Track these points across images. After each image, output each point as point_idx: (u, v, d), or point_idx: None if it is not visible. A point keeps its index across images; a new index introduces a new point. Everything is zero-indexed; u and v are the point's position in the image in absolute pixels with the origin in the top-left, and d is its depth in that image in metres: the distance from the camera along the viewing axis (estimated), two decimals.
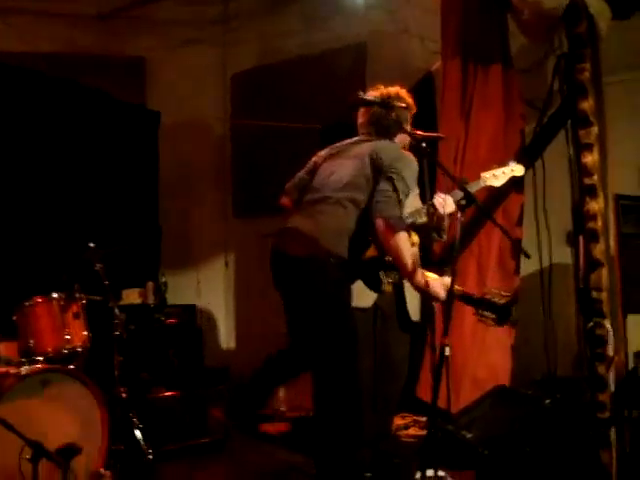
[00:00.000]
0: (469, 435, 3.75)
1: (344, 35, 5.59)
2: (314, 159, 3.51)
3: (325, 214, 3.20)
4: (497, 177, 3.52)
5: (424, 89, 4.79)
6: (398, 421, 4.49)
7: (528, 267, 4.35)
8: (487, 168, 3.60)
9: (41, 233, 4.84)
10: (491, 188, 3.80)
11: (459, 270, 4.43)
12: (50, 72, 5.50)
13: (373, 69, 5.52)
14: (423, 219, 3.43)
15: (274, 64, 6.01)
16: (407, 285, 3.48)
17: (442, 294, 3.17)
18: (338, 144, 3.48)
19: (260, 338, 5.41)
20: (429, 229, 3.50)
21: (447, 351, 3.94)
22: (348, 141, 3.44)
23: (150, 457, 3.77)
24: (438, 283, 3.19)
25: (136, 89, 6.17)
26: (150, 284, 5.23)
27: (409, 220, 3.40)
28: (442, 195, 3.40)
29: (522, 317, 4.34)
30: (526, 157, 4.24)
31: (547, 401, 3.67)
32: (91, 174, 5.36)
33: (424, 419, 4.45)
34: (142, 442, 3.80)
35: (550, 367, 4.05)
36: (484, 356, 4.39)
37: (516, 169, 3.56)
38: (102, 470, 3.35)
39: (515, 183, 4.35)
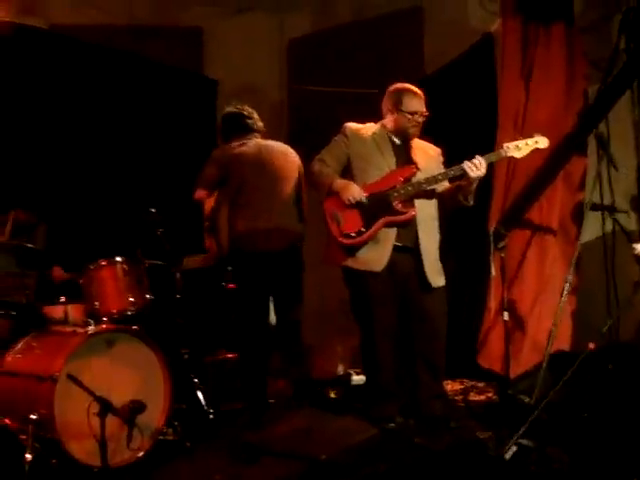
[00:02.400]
0: (527, 399, 3.77)
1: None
2: None
3: None
4: (519, 148, 3.52)
5: (483, 51, 4.71)
6: (457, 386, 4.52)
7: (592, 232, 4.28)
8: (548, 131, 3.58)
9: (105, 198, 5.00)
10: (549, 151, 3.80)
11: (520, 235, 4.43)
12: (108, 44, 5.63)
13: (430, 32, 5.47)
14: (433, 185, 3.59)
15: (330, 29, 6.00)
16: (424, 250, 3.60)
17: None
18: None
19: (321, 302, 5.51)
20: (459, 193, 3.59)
21: (506, 316, 4.01)
22: None
23: (211, 417, 3.91)
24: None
25: (194, 58, 6.25)
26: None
27: (423, 185, 3.57)
28: (479, 158, 3.46)
29: (585, 283, 4.32)
30: (589, 119, 4.15)
31: (609, 366, 3.65)
32: (152, 142, 5.48)
33: (482, 384, 4.46)
34: (203, 402, 3.94)
35: (612, 333, 3.99)
36: (545, 321, 4.36)
37: (540, 141, 3.53)
38: (165, 428, 3.50)
39: (578, 145, 4.29)
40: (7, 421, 3.23)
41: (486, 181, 4.50)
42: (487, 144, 4.41)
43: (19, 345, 3.51)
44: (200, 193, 4.14)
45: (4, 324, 3.65)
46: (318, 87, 5.73)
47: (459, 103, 4.81)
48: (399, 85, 3.77)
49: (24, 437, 3.08)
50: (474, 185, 3.57)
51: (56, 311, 3.80)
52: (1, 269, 3.86)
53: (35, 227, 4.35)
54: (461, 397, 4.35)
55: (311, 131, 5.54)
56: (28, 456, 2.99)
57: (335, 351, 5.50)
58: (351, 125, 3.81)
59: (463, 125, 4.71)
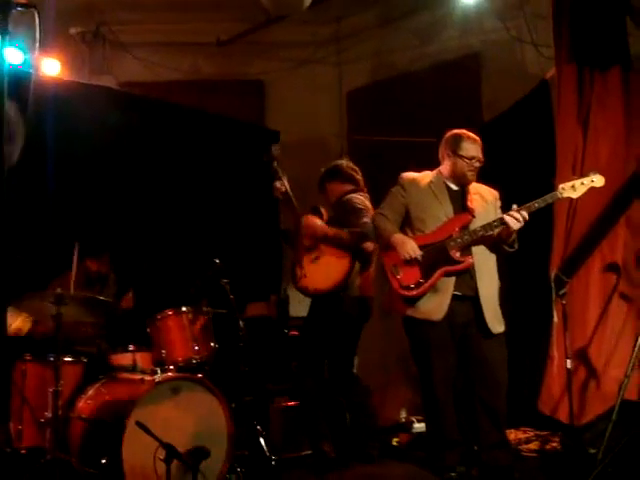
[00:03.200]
0: (593, 450, 3.71)
1: (457, 47, 5.66)
2: None
3: None
4: (575, 189, 3.53)
5: (540, 97, 4.77)
6: (519, 435, 4.48)
7: None
8: (607, 179, 3.59)
9: (171, 249, 5.22)
10: (609, 195, 3.80)
11: (582, 282, 4.41)
12: (174, 99, 5.94)
13: (488, 79, 5.55)
14: (494, 232, 3.62)
15: (388, 79, 6.17)
16: (484, 297, 3.64)
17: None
18: None
19: (382, 352, 5.55)
20: (500, 241, 3.65)
21: (569, 364, 3.98)
22: None
23: (273, 463, 3.99)
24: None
25: (256, 110, 6.51)
26: (273, 297, 5.49)
27: (480, 233, 3.62)
28: (515, 211, 3.52)
29: None
30: None
31: None
32: (216, 194, 5.71)
33: (545, 433, 4.41)
34: (265, 449, 4.03)
35: None
36: (611, 369, 4.30)
37: (596, 180, 3.53)
38: (228, 474, 3.60)
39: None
40: (75, 462, 3.40)
41: (547, 226, 4.56)
42: (546, 190, 4.45)
43: (90, 392, 3.70)
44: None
45: (76, 371, 3.85)
46: (377, 137, 5.86)
47: (517, 149, 4.86)
48: (457, 131, 3.85)
49: None
50: (514, 234, 3.62)
51: (125, 359, 3.98)
52: (73, 319, 4.07)
53: (107, 277, 4.59)
54: (524, 446, 4.30)
55: (372, 181, 5.66)
56: None
57: (397, 398, 5.53)
58: (407, 175, 3.91)
59: (522, 171, 4.75)
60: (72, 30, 6.14)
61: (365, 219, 4.15)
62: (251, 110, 6.46)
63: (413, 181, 3.87)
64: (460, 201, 3.79)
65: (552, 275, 4.39)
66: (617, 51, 4.32)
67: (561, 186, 3.55)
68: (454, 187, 3.81)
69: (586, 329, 4.35)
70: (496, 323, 3.71)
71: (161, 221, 5.41)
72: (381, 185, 6.17)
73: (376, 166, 6.19)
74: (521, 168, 4.78)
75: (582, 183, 3.53)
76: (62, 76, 5.51)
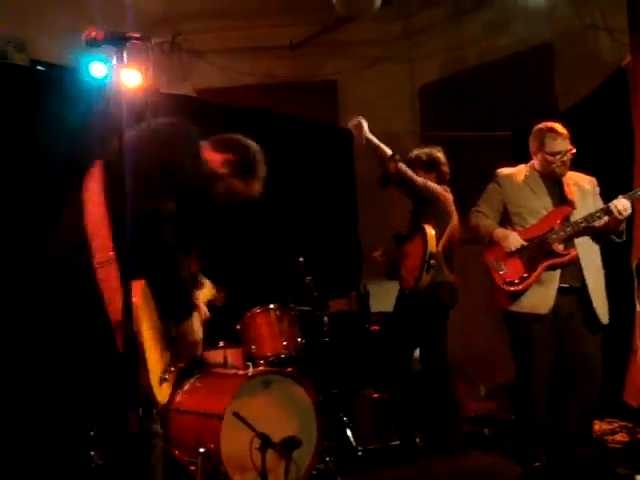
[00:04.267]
0: None
1: (529, 37, 5.69)
2: None
3: None
4: None
5: (616, 85, 4.78)
6: (604, 426, 4.53)
7: None
8: None
9: (258, 251, 5.46)
10: None
11: None
12: (250, 103, 6.18)
13: (561, 69, 5.57)
14: (596, 223, 3.64)
15: (460, 73, 6.25)
16: (592, 288, 3.68)
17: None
18: None
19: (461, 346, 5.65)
20: (606, 231, 3.68)
21: None
22: None
23: (360, 454, 4.19)
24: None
25: (330, 110, 6.70)
26: (354, 293, 5.68)
27: (582, 224, 3.65)
28: (622, 200, 3.56)
29: None
30: None
31: None
32: (297, 194, 5.92)
33: (631, 425, 4.45)
34: (352, 439, 4.23)
35: None
36: None
37: None
38: (318, 463, 3.82)
39: None
40: (177, 453, 3.67)
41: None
42: (625, 180, 4.48)
43: (186, 386, 3.96)
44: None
45: None
46: (450, 132, 5.96)
47: (594, 139, 4.87)
48: (541, 125, 3.87)
49: (193, 468, 3.50)
50: (623, 224, 3.66)
51: (216, 355, 4.24)
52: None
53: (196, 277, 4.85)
54: (610, 437, 4.35)
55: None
56: None
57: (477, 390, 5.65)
58: (502, 171, 3.98)
59: (599, 161, 4.77)
60: (151, 40, 6.45)
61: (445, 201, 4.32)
62: (325, 110, 6.65)
63: (508, 177, 3.93)
64: (558, 193, 3.83)
65: (634, 265, 4.41)
66: None
67: None
68: (549, 180, 3.84)
69: None
70: (604, 314, 3.74)
71: (248, 223, 5.67)
72: (456, 181, 6.29)
73: (451, 162, 6.27)
74: (599, 158, 4.79)
75: None
76: (143, 86, 5.82)
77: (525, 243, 3.74)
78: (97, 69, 5.21)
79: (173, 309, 2.34)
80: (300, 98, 6.59)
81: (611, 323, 4.74)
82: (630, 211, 3.56)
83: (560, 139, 3.78)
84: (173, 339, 2.41)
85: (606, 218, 3.64)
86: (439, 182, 4.42)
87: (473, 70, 6.13)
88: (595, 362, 3.74)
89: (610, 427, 4.52)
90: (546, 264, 3.69)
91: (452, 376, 4.39)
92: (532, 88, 5.62)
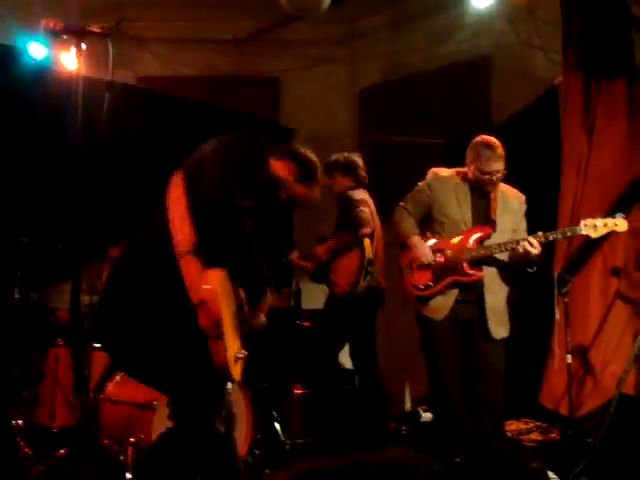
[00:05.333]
0: (591, 440, 4.02)
1: (468, 49, 5.92)
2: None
3: None
4: (596, 229, 3.63)
5: (547, 102, 5.05)
6: (521, 426, 4.81)
7: None
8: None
9: None
10: (611, 198, 4.07)
11: (583, 280, 4.71)
12: (191, 94, 6.22)
13: (498, 82, 5.83)
14: (504, 251, 3.82)
15: (400, 79, 6.44)
16: (489, 306, 3.89)
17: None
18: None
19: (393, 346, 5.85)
20: (517, 261, 3.84)
21: (569, 359, 4.28)
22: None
23: (287, 447, 4.32)
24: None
25: (271, 107, 6.80)
26: (286, 290, 5.79)
27: (493, 250, 3.83)
28: (533, 240, 3.69)
29: None
30: None
31: None
32: None
33: (546, 425, 4.73)
34: (280, 433, 4.36)
35: None
36: (611, 364, 4.58)
37: (620, 224, 3.63)
38: (247, 456, 3.93)
39: None
40: (107, 442, 3.72)
41: (552, 226, 4.84)
42: (551, 197, 4.75)
43: (117, 376, 4.01)
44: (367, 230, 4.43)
45: (103, 357, 4.16)
46: (387, 136, 6.14)
47: (526, 153, 5.12)
48: (480, 139, 3.92)
49: (123, 458, 3.56)
50: (534, 258, 3.75)
51: None
52: None
53: None
54: (526, 437, 4.63)
55: (382, 179, 5.88)
56: (128, 475, 3.46)
57: (403, 388, 5.86)
58: (436, 172, 4.05)
59: (528, 175, 5.03)
60: (93, 25, 6.40)
61: (360, 208, 4.42)
62: (266, 107, 6.75)
63: (440, 180, 4.00)
64: (482, 209, 3.93)
65: (555, 274, 4.68)
66: (623, 62, 4.59)
67: (583, 222, 3.66)
68: (478, 193, 3.91)
69: (587, 327, 4.64)
70: (499, 329, 3.93)
71: None
72: (390, 183, 6.47)
73: (387, 165, 6.46)
74: (528, 172, 5.05)
75: (605, 224, 3.62)
76: (82, 71, 5.78)
77: (433, 260, 3.90)
78: (36, 50, 5.17)
79: (254, 289, 2.65)
80: (241, 93, 6.65)
81: (531, 328, 5.04)
82: (538, 251, 3.67)
83: (495, 159, 3.83)
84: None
85: (517, 251, 3.74)
86: (356, 185, 4.58)
87: (413, 77, 6.33)
88: (494, 366, 3.94)
89: (526, 427, 4.81)
90: (451, 279, 3.86)
91: (380, 374, 4.57)
92: (469, 98, 5.85)
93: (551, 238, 3.73)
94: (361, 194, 4.55)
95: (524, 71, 5.63)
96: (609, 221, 3.64)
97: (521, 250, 3.68)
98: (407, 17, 6.30)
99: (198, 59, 6.59)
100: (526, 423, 4.85)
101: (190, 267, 2.43)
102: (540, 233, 3.73)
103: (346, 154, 4.66)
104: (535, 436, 4.64)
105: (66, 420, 3.92)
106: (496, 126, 5.55)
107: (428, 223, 4.05)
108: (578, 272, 4.71)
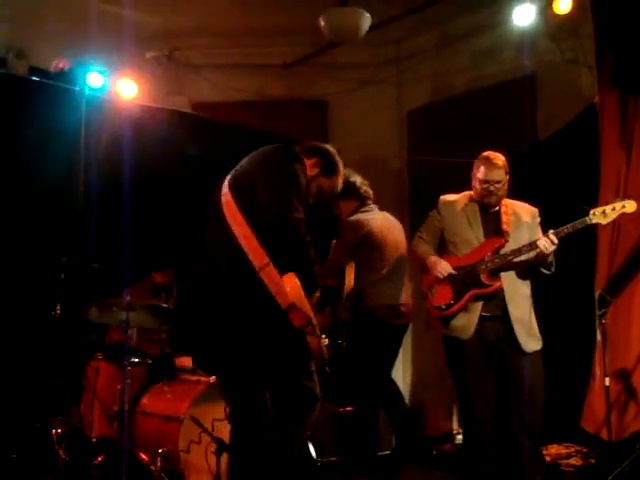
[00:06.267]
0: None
1: (513, 68, 5.93)
2: None
3: None
4: (606, 215, 3.71)
5: (588, 120, 5.03)
6: (561, 450, 4.74)
7: None
8: None
9: None
10: None
11: (625, 302, 4.64)
12: (242, 118, 6.46)
13: (543, 100, 5.82)
14: (523, 256, 3.86)
15: (446, 100, 6.49)
16: (515, 317, 3.90)
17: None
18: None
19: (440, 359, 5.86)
20: (534, 264, 3.90)
21: (607, 382, 4.23)
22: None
23: (319, 464, 4.41)
24: None
25: (319, 130, 6.97)
26: (328, 309, 5.90)
27: (509, 257, 3.85)
28: (550, 236, 3.75)
29: None
30: None
31: None
32: None
33: (586, 450, 4.66)
34: (312, 451, 4.45)
35: None
36: None
37: (628, 205, 3.70)
38: None
39: None
40: (141, 454, 3.92)
41: (593, 244, 4.80)
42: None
43: (152, 390, 4.22)
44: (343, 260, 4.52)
45: (141, 371, 4.38)
46: (434, 158, 6.20)
47: (568, 169, 5.12)
48: (482, 155, 4.08)
49: (153, 468, 3.75)
50: (549, 257, 3.86)
51: (186, 361, 4.49)
52: (141, 325, 4.62)
53: (171, 288, 5.13)
54: (565, 461, 4.56)
55: (431, 200, 5.94)
56: None
57: (449, 410, 5.86)
58: (444, 198, 4.22)
59: (568, 192, 5.02)
60: (148, 54, 6.76)
61: (336, 252, 4.53)
62: (315, 130, 6.89)
63: (449, 204, 4.16)
64: (493, 224, 4.03)
65: (596, 294, 4.64)
66: None
67: (592, 212, 3.75)
68: (487, 209, 4.04)
69: (630, 350, 4.57)
70: (530, 341, 3.94)
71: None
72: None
73: (435, 186, 6.48)
74: (568, 189, 5.04)
75: (613, 209, 3.72)
76: (139, 98, 6.11)
77: (453, 272, 3.98)
78: (94, 79, 5.51)
79: (310, 286, 2.79)
80: (291, 117, 6.85)
81: (573, 350, 4.99)
82: (555, 247, 3.75)
83: (494, 168, 3.97)
84: None
85: (533, 253, 3.84)
86: (361, 205, 4.57)
87: (459, 97, 6.38)
88: (531, 384, 3.92)
89: (567, 451, 4.74)
90: (472, 293, 3.92)
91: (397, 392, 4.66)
92: (515, 118, 5.84)
93: (563, 233, 3.76)
94: (367, 215, 4.54)
95: (569, 88, 5.60)
96: (617, 204, 3.72)
97: (540, 246, 3.74)
98: (452, 38, 6.37)
99: (249, 84, 6.83)
100: (567, 447, 4.78)
101: (272, 278, 2.68)
102: (551, 230, 3.79)
103: (347, 177, 4.52)
104: (574, 461, 4.57)
105: (103, 430, 4.13)
106: (539, 142, 5.56)
107: (443, 248, 4.15)
108: (620, 293, 4.65)
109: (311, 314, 2.68)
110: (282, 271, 2.68)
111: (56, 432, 3.98)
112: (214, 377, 4.08)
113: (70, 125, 5.22)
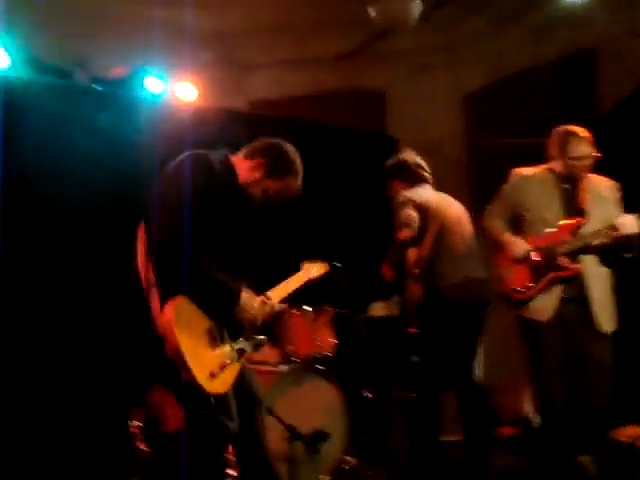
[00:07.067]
0: None
1: (570, 43, 5.85)
2: None
3: None
4: None
5: None
6: (638, 431, 4.65)
7: None
8: None
9: (298, 255, 5.80)
10: None
11: None
12: (300, 113, 6.57)
13: (603, 75, 5.72)
14: (603, 240, 3.72)
15: (503, 80, 6.44)
16: (594, 298, 3.81)
17: None
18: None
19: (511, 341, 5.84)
20: (615, 249, 3.75)
21: None
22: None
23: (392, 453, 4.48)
24: None
25: (377, 119, 7.02)
26: (395, 297, 5.94)
27: (589, 240, 3.74)
28: (629, 217, 3.65)
29: None
30: None
31: None
32: (338, 200, 6.25)
33: None
34: (385, 440, 4.53)
35: None
36: None
37: None
38: (348, 457, 4.14)
39: None
40: None
41: None
42: None
43: None
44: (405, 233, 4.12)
45: None
46: (495, 140, 6.16)
47: (629, 144, 5.02)
48: (564, 128, 3.97)
49: (229, 456, 3.87)
50: (634, 240, 3.71)
51: (258, 354, 4.62)
52: None
53: None
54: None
55: (494, 184, 5.89)
56: (232, 472, 3.75)
57: (522, 392, 5.81)
58: (518, 172, 4.08)
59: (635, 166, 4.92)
60: (204, 56, 6.92)
61: (402, 209, 4.15)
62: (373, 120, 6.97)
63: (524, 178, 4.02)
64: (572, 202, 3.91)
65: None
66: None
67: None
68: (566, 186, 3.92)
69: None
70: (607, 323, 3.85)
71: (289, 230, 6.04)
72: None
73: (498, 169, 6.43)
74: (635, 162, 4.93)
75: None
76: (198, 100, 6.28)
77: (531, 249, 3.87)
78: (153, 84, 5.68)
79: (219, 305, 2.76)
80: (349, 108, 6.93)
81: None
82: (637, 229, 3.61)
83: (583, 143, 3.86)
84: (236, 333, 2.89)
85: (613, 234, 3.70)
86: (410, 184, 4.32)
87: (516, 77, 6.32)
88: (604, 364, 3.85)
89: None
90: (551, 277, 3.83)
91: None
92: (575, 93, 5.77)
93: None
94: (414, 193, 4.24)
95: (631, 62, 5.49)
96: None
97: (621, 228, 3.63)
98: (506, 17, 6.31)
99: (304, 79, 6.93)
100: None
101: (154, 301, 2.61)
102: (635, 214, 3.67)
103: (401, 156, 4.46)
104: None
105: (177, 423, 4.27)
106: (601, 115, 5.46)
107: (517, 224, 4.04)
108: None
109: (183, 342, 2.54)
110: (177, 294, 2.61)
111: (135, 424, 4.13)
112: (284, 367, 4.21)
113: (133, 131, 5.40)
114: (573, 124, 4.01)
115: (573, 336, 3.91)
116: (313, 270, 3.63)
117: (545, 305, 3.87)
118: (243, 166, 2.94)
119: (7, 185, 4.44)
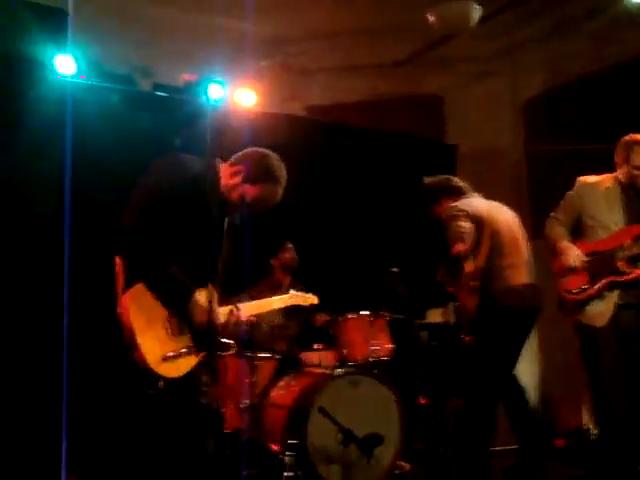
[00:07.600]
0: None
1: (633, 47, 5.76)
2: None
3: None
4: None
5: None
6: None
7: None
8: None
9: (356, 261, 5.85)
10: None
11: None
12: (356, 120, 6.61)
13: None
14: None
15: (563, 86, 6.37)
16: None
17: None
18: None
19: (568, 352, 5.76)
20: None
21: None
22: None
23: (446, 458, 4.47)
24: None
25: (435, 126, 7.01)
26: (451, 304, 5.92)
27: None
28: None
29: None
30: None
31: None
32: (396, 206, 6.28)
33: None
34: (439, 444, 4.52)
35: None
36: None
37: None
38: (402, 462, 4.14)
39: None
40: (273, 445, 4.12)
41: None
42: None
43: (281, 383, 4.42)
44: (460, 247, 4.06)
45: (270, 366, 4.59)
46: (554, 146, 6.09)
47: None
48: (629, 137, 4.01)
49: (281, 457, 3.93)
50: None
51: (312, 357, 4.69)
52: (270, 321, 4.84)
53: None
54: None
55: (553, 190, 5.82)
56: (287, 474, 3.80)
57: (580, 403, 5.73)
58: (584, 180, 4.13)
59: None
60: (262, 63, 7.03)
61: (455, 221, 4.10)
62: (431, 126, 6.96)
63: (589, 186, 4.08)
64: (635, 209, 3.94)
65: None
66: None
67: None
68: (631, 195, 3.96)
69: None
70: None
71: (346, 234, 6.10)
72: (562, 192, 6.38)
73: (557, 175, 6.37)
74: None
75: None
76: (256, 106, 6.39)
77: (583, 262, 3.91)
78: (214, 91, 5.80)
79: (170, 299, 2.82)
80: (406, 114, 6.92)
81: None
82: None
83: None
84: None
85: None
86: (459, 198, 4.27)
87: (577, 82, 6.24)
88: None
89: None
90: (608, 280, 3.84)
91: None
92: (637, 99, 5.66)
93: None
94: (464, 204, 4.18)
95: None
96: None
97: None
98: (565, 22, 6.23)
99: (361, 85, 6.95)
100: None
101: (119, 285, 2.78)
102: None
103: (446, 177, 4.44)
104: None
105: (235, 423, 4.36)
106: None
107: (578, 230, 4.08)
108: None
109: (137, 326, 2.68)
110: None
111: None
112: (339, 370, 4.25)
113: (195, 137, 5.52)
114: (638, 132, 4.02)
115: (631, 345, 3.88)
116: (297, 298, 3.67)
117: (601, 311, 3.88)
118: (226, 172, 3.02)
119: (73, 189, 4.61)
